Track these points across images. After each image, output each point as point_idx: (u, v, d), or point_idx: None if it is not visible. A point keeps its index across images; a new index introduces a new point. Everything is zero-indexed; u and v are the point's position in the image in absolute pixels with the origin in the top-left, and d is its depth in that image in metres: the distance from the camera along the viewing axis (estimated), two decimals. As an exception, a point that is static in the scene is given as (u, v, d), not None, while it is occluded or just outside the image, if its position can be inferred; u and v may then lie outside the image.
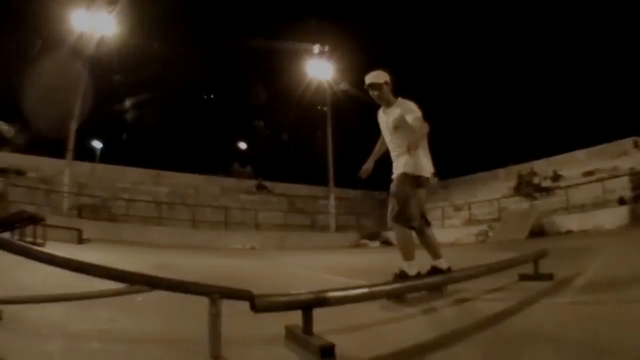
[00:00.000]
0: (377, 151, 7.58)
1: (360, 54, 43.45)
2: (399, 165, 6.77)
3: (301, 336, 3.44)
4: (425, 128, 6.43)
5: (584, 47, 42.88)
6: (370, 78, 6.87)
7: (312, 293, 3.65)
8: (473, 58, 52.12)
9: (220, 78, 61.19)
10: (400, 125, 6.75)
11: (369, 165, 7.48)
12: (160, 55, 50.72)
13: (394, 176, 6.86)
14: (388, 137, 7.09)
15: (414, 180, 6.63)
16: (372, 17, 53.36)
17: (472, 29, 51.61)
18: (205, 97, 64.83)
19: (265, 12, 55.06)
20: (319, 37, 45.38)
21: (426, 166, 6.79)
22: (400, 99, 6.96)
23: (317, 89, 46.58)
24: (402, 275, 6.24)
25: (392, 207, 6.60)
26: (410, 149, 6.08)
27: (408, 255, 6.37)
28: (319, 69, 45.67)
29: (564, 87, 44.44)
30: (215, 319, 2.96)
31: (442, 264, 6.64)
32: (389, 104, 6.95)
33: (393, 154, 7.03)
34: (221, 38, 54.70)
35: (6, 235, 12.86)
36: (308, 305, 3.46)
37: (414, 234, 6.69)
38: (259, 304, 3.17)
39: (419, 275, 6.26)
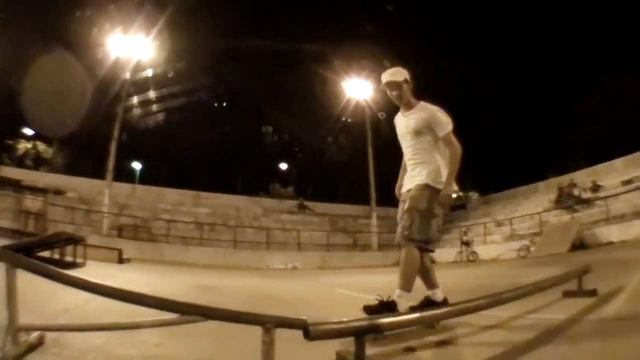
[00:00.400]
0: (405, 167, 6.44)
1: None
2: (420, 175, 5.85)
3: None
4: (459, 151, 5.78)
5: (615, 54, 42.75)
6: (388, 76, 6.10)
7: (364, 319, 3.66)
8: (510, 73, 52.06)
9: (259, 98, 61.78)
10: (423, 131, 5.86)
11: (400, 182, 6.45)
12: (199, 78, 51.28)
13: (411, 187, 5.93)
14: (407, 142, 6.16)
15: (437, 195, 5.69)
16: (407, 34, 53.30)
17: (509, 44, 51.62)
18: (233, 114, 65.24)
19: (305, 34, 55.45)
20: (358, 57, 45.44)
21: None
22: (422, 103, 6.07)
23: (357, 107, 46.63)
24: (389, 306, 5.15)
25: (409, 222, 5.56)
26: (448, 184, 5.63)
27: (409, 285, 5.41)
28: (358, 88, 45.48)
29: (597, 94, 44.36)
30: (268, 347, 2.96)
31: (438, 295, 5.82)
32: (409, 106, 6.08)
33: (410, 162, 6.12)
34: (259, 57, 55.07)
35: (45, 254, 13.01)
36: (361, 332, 3.43)
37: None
38: (313, 332, 3.14)
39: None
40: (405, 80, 6.05)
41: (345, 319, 3.50)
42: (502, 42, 51.99)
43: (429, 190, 5.71)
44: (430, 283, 5.89)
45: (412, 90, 6.19)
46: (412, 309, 5.30)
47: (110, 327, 3.69)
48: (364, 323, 3.52)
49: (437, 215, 5.75)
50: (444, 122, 5.85)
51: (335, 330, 3.35)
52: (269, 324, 2.99)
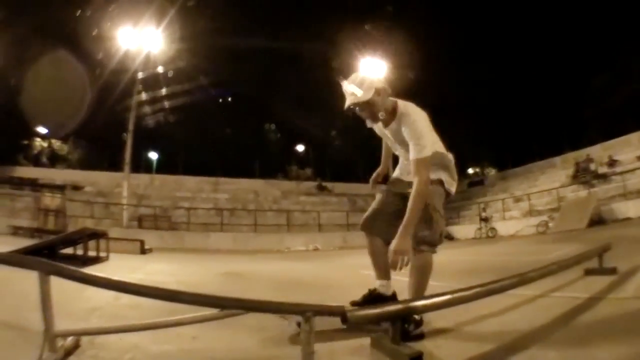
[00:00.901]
0: (388, 150, 5.46)
1: (414, 49, 43.67)
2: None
3: (389, 345, 3.47)
4: (424, 186, 4.28)
5: (632, 28, 42.42)
6: (351, 97, 4.52)
7: (400, 303, 3.72)
8: (527, 48, 52.08)
9: (273, 80, 61.73)
10: None
11: (384, 168, 5.59)
12: (213, 63, 51.27)
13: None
14: (399, 150, 5.00)
15: (445, 194, 4.76)
16: (422, 9, 53.05)
17: (526, 19, 51.62)
18: (257, 100, 65.08)
19: (316, 14, 55.46)
20: (372, 35, 45.29)
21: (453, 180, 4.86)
22: (401, 107, 4.61)
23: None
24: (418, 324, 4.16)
25: (442, 226, 4.59)
26: (403, 236, 4.10)
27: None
28: (371, 67, 44.50)
29: (613, 68, 44.40)
30: (308, 336, 3.02)
31: (389, 287, 5.00)
32: (388, 119, 4.69)
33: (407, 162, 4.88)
34: (271, 39, 54.99)
35: (69, 250, 13.07)
36: (397, 317, 3.50)
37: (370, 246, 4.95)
38: (351, 319, 3.23)
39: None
40: (377, 92, 4.50)
41: (380, 304, 3.60)
42: (519, 17, 51.88)
43: (440, 186, 4.71)
44: (384, 271, 4.97)
45: (389, 94, 4.66)
46: (355, 304, 4.67)
47: (150, 326, 3.56)
48: (400, 307, 3.59)
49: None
50: (421, 144, 4.38)
51: (373, 316, 3.43)
52: (309, 312, 3.05)
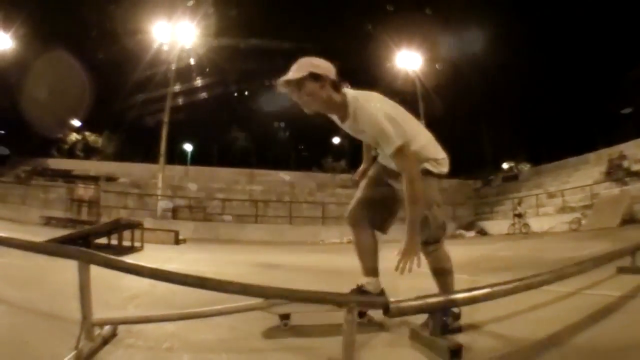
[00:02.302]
0: (367, 148, 4.92)
1: (450, 44, 43.53)
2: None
3: (428, 338, 3.52)
4: (414, 174, 3.77)
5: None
6: (285, 75, 3.79)
7: (441, 295, 3.75)
8: (562, 43, 51.80)
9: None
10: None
11: (366, 166, 4.95)
12: (250, 56, 51.55)
13: None
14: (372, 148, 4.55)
15: (438, 180, 4.24)
16: (463, 6, 52.83)
17: (560, 14, 51.29)
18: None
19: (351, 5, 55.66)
20: (407, 27, 45.14)
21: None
22: (352, 101, 3.91)
23: (407, 79, 45.68)
24: (456, 317, 4.10)
25: (440, 218, 4.19)
26: (412, 238, 3.79)
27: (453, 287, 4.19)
28: (407, 59, 45.13)
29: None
30: (350, 326, 3.01)
31: (377, 284, 4.36)
32: (340, 114, 4.04)
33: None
34: (306, 31, 55.19)
35: (103, 240, 13.23)
36: (438, 309, 3.53)
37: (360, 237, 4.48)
38: (393, 310, 3.22)
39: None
40: (314, 77, 3.74)
41: (421, 295, 3.50)
42: (554, 11, 51.49)
43: (431, 177, 4.12)
44: (372, 268, 4.42)
45: (334, 85, 3.87)
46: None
47: (191, 315, 3.58)
48: (441, 299, 3.63)
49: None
50: (390, 134, 3.71)
51: (414, 308, 3.41)
52: (352, 304, 3.05)
